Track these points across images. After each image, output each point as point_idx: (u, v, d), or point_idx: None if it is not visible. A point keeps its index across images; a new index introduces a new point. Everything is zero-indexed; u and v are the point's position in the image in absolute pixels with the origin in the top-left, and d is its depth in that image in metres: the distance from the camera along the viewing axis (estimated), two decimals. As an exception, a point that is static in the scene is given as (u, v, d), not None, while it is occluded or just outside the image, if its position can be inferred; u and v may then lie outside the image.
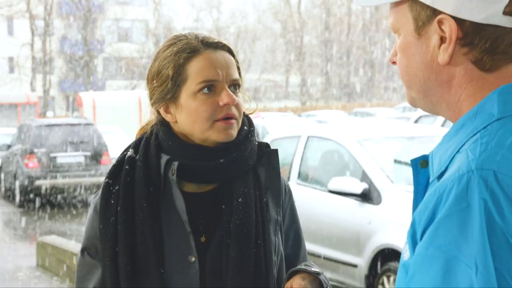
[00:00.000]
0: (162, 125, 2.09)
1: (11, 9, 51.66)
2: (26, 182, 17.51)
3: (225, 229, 2.00)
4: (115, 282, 1.97)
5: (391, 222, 6.93)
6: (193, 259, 1.98)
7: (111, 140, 21.79)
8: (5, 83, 53.59)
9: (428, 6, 1.37)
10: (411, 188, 7.11)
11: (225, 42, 2.08)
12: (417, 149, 7.89)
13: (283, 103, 59.79)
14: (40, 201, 17.58)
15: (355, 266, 7.28)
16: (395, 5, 1.44)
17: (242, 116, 2.05)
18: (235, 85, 2.04)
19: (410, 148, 7.94)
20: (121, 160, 2.10)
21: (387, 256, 6.96)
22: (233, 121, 2.00)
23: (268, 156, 2.12)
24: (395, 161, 7.58)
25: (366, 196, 7.23)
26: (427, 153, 1.45)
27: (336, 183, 7.42)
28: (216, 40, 2.05)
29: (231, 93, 2.00)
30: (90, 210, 2.10)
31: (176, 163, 2.00)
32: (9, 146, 19.80)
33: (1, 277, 9.98)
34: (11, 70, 57.77)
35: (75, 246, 9.83)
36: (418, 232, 1.27)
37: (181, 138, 2.05)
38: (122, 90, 46.91)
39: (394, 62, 1.49)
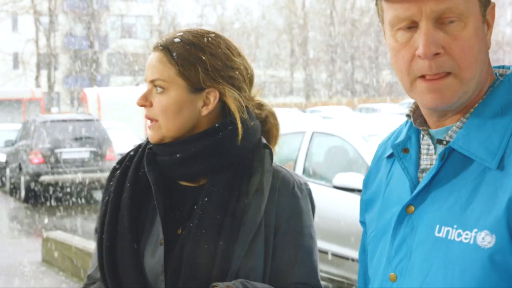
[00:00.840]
0: None
1: (16, 5, 51.67)
2: (31, 178, 17.55)
3: (188, 227, 2.02)
4: (100, 256, 2.07)
5: (396, 218, 6.93)
6: (161, 244, 2.01)
7: (116, 136, 21.80)
8: (10, 79, 53.64)
9: None
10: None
11: (167, 43, 2.05)
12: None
13: (287, 98, 59.76)
14: (45, 196, 17.61)
15: (360, 261, 7.28)
16: None
17: (166, 116, 2.03)
18: (158, 88, 2.05)
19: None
20: (134, 148, 2.19)
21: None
22: (152, 123, 2.06)
23: (261, 158, 2.07)
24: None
25: (371, 192, 7.22)
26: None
27: (341, 179, 7.41)
28: (156, 42, 2.10)
29: (142, 94, 2.08)
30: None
31: (146, 151, 2.10)
32: (14, 142, 19.83)
33: (6, 272, 10.01)
34: (16, 66, 57.81)
35: (80, 241, 9.85)
36: None
37: None
38: (126, 86, 46.89)
39: (437, 54, 1.44)
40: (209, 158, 2.03)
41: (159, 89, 2.04)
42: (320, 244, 7.69)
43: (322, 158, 8.57)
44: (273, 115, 2.20)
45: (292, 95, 62.83)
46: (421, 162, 1.53)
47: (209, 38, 2.06)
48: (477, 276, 1.32)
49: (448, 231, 1.38)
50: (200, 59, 2.02)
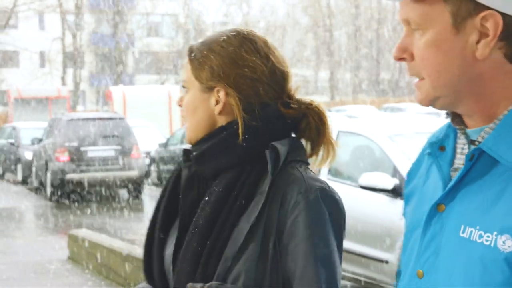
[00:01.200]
0: None
1: (42, 4, 52.01)
2: (57, 176, 17.65)
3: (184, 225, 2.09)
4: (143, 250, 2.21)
5: (422, 218, 6.89)
6: (174, 235, 2.09)
7: (141, 134, 21.90)
8: (36, 77, 53.98)
9: (471, 1, 1.36)
10: (442, 184, 7.07)
11: (195, 49, 2.10)
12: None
13: (312, 98, 59.56)
14: (71, 194, 17.71)
15: (386, 262, 7.25)
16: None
17: (190, 116, 2.08)
18: (184, 87, 2.14)
19: (442, 144, 7.89)
20: None
21: (418, 252, 6.92)
22: (186, 122, 2.13)
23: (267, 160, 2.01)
24: (427, 156, 7.53)
25: (397, 192, 7.19)
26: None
27: (367, 179, 7.39)
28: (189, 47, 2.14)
29: (181, 96, 2.15)
30: None
31: (183, 148, 2.19)
32: (40, 140, 19.95)
33: (32, 270, 10.07)
34: (42, 64, 58.18)
35: (105, 239, 9.89)
36: None
37: None
38: (152, 85, 47.05)
39: (401, 59, 1.46)
40: (216, 157, 2.04)
41: (184, 90, 2.13)
42: (346, 244, 7.64)
43: (348, 157, 8.54)
44: (315, 113, 2.12)
45: (317, 94, 62.75)
46: (455, 161, 1.53)
47: (225, 37, 2.05)
48: (497, 279, 1.32)
49: (471, 232, 1.38)
50: (208, 58, 2.04)
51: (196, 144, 2.09)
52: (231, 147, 2.01)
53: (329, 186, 2.00)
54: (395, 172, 7.34)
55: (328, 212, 1.96)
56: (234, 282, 1.91)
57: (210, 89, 2.05)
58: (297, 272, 1.90)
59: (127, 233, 13.10)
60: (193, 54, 2.07)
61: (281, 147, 1.99)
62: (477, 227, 1.37)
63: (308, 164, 2.04)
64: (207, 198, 2.01)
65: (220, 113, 2.05)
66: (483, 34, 1.36)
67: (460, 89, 1.42)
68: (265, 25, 62.30)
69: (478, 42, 1.37)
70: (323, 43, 61.56)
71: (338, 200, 2.02)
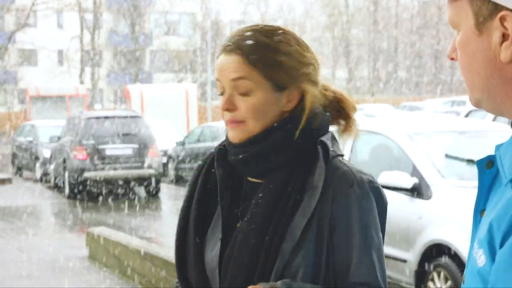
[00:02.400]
0: None
1: (61, 2, 52.26)
2: (75, 174, 17.71)
3: (243, 222, 2.06)
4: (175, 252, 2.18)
5: (442, 218, 6.86)
6: (219, 238, 2.07)
7: (159, 132, 21.92)
8: (55, 75, 54.24)
9: (490, 1, 1.32)
10: (462, 183, 7.04)
11: (240, 44, 2.03)
12: (468, 144, 7.80)
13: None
14: (89, 192, 17.76)
15: (404, 261, 7.22)
16: None
17: (255, 117, 2.04)
18: (242, 91, 2.03)
19: (461, 143, 7.85)
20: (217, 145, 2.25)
21: (437, 252, 6.88)
22: (236, 124, 2.04)
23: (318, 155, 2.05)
24: (446, 155, 7.49)
25: (417, 191, 7.15)
26: (492, 153, 1.40)
27: (386, 178, 7.35)
28: (228, 43, 2.06)
29: (227, 99, 2.04)
30: None
31: (217, 148, 2.15)
32: (58, 138, 20.02)
33: (51, 268, 10.10)
34: (61, 63, 58.45)
35: (123, 237, 9.90)
36: (497, 239, 1.23)
37: None
38: (169, 83, 47.13)
39: (453, 58, 1.44)
40: (268, 158, 2.05)
41: (243, 91, 2.04)
42: (364, 243, 7.63)
43: (367, 156, 8.51)
44: (343, 98, 2.18)
45: (335, 93, 62.57)
46: None
47: (280, 37, 2.06)
48: None
49: (473, 243, 1.37)
50: (277, 60, 2.03)
51: (243, 145, 2.05)
52: (286, 147, 2.05)
53: (374, 178, 2.07)
54: (414, 171, 7.30)
55: (376, 203, 2.03)
56: (292, 277, 1.94)
57: (282, 88, 2.05)
58: (353, 263, 1.96)
59: (145, 231, 13.12)
60: (254, 56, 2.02)
61: (328, 141, 2.06)
62: (476, 239, 1.35)
63: (343, 155, 2.10)
64: (261, 195, 2.02)
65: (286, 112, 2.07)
66: (506, 36, 1.32)
67: (495, 92, 1.37)
68: (283, 24, 62.24)
69: (501, 44, 1.33)
70: (340, 42, 61.45)
71: (382, 191, 2.08)
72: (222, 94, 2.06)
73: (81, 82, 50.75)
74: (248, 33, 2.06)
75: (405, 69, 62.75)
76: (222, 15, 60.55)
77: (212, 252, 2.06)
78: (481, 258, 1.27)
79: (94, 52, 53.19)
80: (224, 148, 2.13)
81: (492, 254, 1.24)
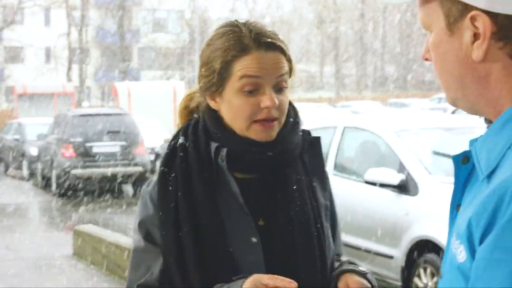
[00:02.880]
0: (210, 111, 2.10)
1: (48, 0, 52.08)
2: (62, 172, 17.66)
3: (285, 215, 2.05)
4: (181, 265, 2.00)
5: (428, 214, 6.87)
6: (255, 240, 2.01)
7: (147, 130, 21.87)
8: (42, 73, 54.06)
9: (459, 1, 1.32)
10: (449, 179, 7.05)
11: (278, 40, 2.04)
12: (455, 140, 7.82)
13: (317, 93, 59.65)
14: (76, 190, 17.72)
15: (391, 257, 7.24)
16: (425, 1, 1.39)
17: (284, 114, 2.05)
18: (280, 87, 2.03)
19: (448, 139, 7.87)
20: (173, 147, 2.11)
21: (424, 248, 6.90)
22: (273, 123, 2.02)
23: (311, 143, 2.15)
24: (433, 152, 7.51)
25: (403, 187, 7.17)
26: (468, 149, 1.40)
27: (373, 174, 7.37)
28: (269, 40, 2.02)
29: (273, 96, 1.99)
30: (143, 200, 2.11)
31: (225, 150, 2.03)
32: (45, 136, 19.96)
33: (37, 266, 10.07)
34: (48, 60, 58.26)
35: (111, 235, 9.88)
36: (476, 235, 1.23)
37: (228, 128, 2.06)
38: (157, 81, 47.02)
39: (427, 59, 1.44)
40: (293, 152, 2.09)
41: (281, 88, 2.03)
42: (352, 239, 7.64)
43: (354, 153, 8.53)
44: None
45: (322, 90, 62.70)
46: None
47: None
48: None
49: (451, 237, 1.36)
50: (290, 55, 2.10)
51: (272, 143, 2.04)
52: (300, 139, 2.13)
53: None
54: (401, 168, 7.32)
55: None
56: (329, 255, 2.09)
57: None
58: (336, 237, 2.19)
59: (132, 228, 13.09)
60: (288, 53, 2.07)
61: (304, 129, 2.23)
62: (454, 233, 1.35)
63: None
64: (295, 187, 2.06)
65: None
66: (477, 35, 1.32)
67: (468, 92, 1.38)
68: (271, 21, 62.26)
69: (473, 44, 1.33)
70: (328, 39, 61.49)
71: None
72: (251, 92, 2.01)
73: (69, 80, 50.56)
74: (270, 29, 2.06)
75: (392, 67, 62.86)
76: (210, 12, 60.48)
77: (250, 257, 1.99)
78: (461, 254, 1.27)
79: (81, 50, 53.04)
80: (231, 149, 2.05)
81: (471, 250, 1.24)
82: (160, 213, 2.04)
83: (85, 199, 17.09)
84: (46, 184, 19.29)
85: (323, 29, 61.74)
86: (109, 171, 17.76)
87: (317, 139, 2.17)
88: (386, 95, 52.32)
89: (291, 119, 2.10)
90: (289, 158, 2.07)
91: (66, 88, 39.39)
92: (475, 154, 1.35)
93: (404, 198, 7.16)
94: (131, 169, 17.92)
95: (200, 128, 2.10)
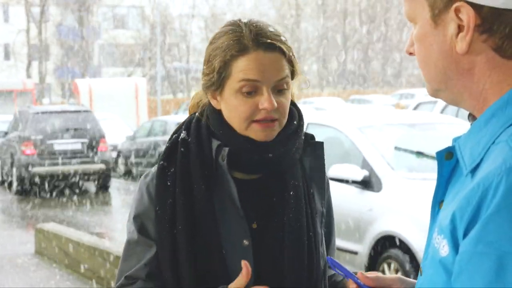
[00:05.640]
0: (212, 109, 2.09)
1: (7, -4, 51.50)
2: (23, 169, 17.49)
3: (279, 220, 2.04)
4: (174, 262, 2.00)
5: (391, 209, 6.92)
6: (247, 243, 2.01)
7: (109, 127, 21.78)
8: (1, 70, 53.50)
9: None
10: (411, 175, 7.11)
11: (278, 41, 2.02)
12: (418, 136, 7.88)
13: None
14: (37, 188, 17.56)
15: (355, 253, 7.27)
16: None
17: (286, 115, 2.04)
18: (280, 89, 2.02)
19: (410, 135, 7.92)
20: (175, 142, 2.09)
21: (387, 243, 6.95)
22: (273, 123, 2.01)
23: (313, 147, 2.13)
24: (396, 148, 7.55)
25: (367, 183, 7.21)
26: (443, 144, 1.41)
27: (337, 170, 7.39)
28: (268, 41, 2.00)
29: (271, 98, 1.98)
30: (140, 192, 2.09)
31: (226, 149, 2.02)
32: (5, 133, 19.75)
33: (-1, 265, 9.98)
34: (7, 57, 57.65)
35: (73, 233, 9.81)
36: (460, 229, 1.23)
37: (230, 127, 2.05)
38: (118, 77, 46.79)
39: (411, 53, 1.44)
40: (294, 154, 2.07)
41: (281, 89, 2.02)
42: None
43: (317, 149, 8.54)
44: None
45: (284, 86, 62.77)
46: None
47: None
48: (438, 283, 1.29)
49: (432, 233, 1.36)
50: (294, 56, 2.07)
51: (272, 144, 2.03)
52: (302, 143, 2.11)
53: None
54: (364, 164, 7.35)
55: None
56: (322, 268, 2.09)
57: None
58: (330, 244, 2.21)
59: (95, 226, 13.01)
60: (289, 54, 2.05)
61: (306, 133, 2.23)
62: (435, 229, 1.35)
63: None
64: (292, 193, 2.05)
65: None
66: (461, 27, 1.33)
67: (453, 84, 1.38)
68: (232, 17, 62.11)
69: (457, 36, 1.33)
70: (290, 36, 61.58)
71: None
72: (250, 93, 1.99)
73: (28, 77, 50.09)
74: (273, 29, 2.04)
75: (354, 63, 63.18)
76: (171, 9, 60.25)
77: (239, 259, 1.94)
78: (444, 248, 1.27)
79: (41, 46, 52.54)
80: (231, 148, 2.04)
81: (455, 244, 1.24)
82: (157, 208, 2.03)
83: (47, 197, 16.95)
84: (6, 182, 19.10)
85: (284, 26, 61.84)
86: (70, 168, 17.63)
87: (320, 144, 2.14)
88: (347, 91, 52.57)
89: (295, 122, 2.08)
90: (289, 161, 2.06)
91: (26, 85, 39.04)
92: (459, 149, 1.36)
93: (368, 194, 7.19)
94: (93, 167, 17.80)
95: (203, 124, 2.09)
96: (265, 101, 1.97)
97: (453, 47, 1.34)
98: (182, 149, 2.06)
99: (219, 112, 2.07)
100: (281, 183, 2.06)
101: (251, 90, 1.99)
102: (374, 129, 7.89)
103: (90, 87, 31.01)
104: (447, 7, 1.33)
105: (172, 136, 2.13)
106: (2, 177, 19.63)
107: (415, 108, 12.40)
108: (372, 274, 1.82)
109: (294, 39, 60.36)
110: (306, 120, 8.55)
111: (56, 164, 17.63)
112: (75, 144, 17.92)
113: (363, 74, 61.89)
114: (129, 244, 2.08)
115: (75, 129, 17.96)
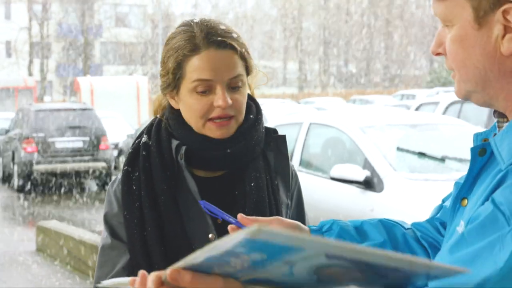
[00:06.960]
0: (171, 110, 2.13)
1: (9, -7, 51.50)
2: (24, 167, 17.49)
3: (241, 212, 2.02)
4: (148, 263, 2.01)
5: (393, 210, 6.91)
6: (212, 236, 2.03)
7: (110, 125, 21.76)
8: (3, 67, 53.48)
9: None
10: (413, 175, 7.11)
11: (230, 38, 2.03)
12: (419, 137, 7.88)
13: (280, 89, 59.73)
14: (38, 186, 17.56)
15: (356, 253, 7.27)
16: None
17: (242, 111, 2.07)
18: (234, 86, 2.04)
19: (413, 136, 7.92)
20: (137, 146, 2.14)
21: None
22: (229, 120, 2.04)
23: (276, 141, 2.17)
24: (398, 148, 7.55)
25: (369, 184, 7.20)
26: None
27: (338, 171, 7.39)
28: (219, 39, 2.02)
29: (225, 95, 2.01)
30: (109, 198, 2.12)
31: (183, 148, 2.06)
32: (7, 131, 19.75)
33: (0, 262, 9.97)
34: (9, 54, 57.64)
35: (74, 230, 9.82)
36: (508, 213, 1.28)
37: (188, 126, 2.09)
38: (119, 75, 46.77)
39: (438, 54, 1.46)
40: (254, 148, 2.11)
41: (236, 86, 2.04)
42: (317, 235, 7.66)
43: (319, 149, 8.54)
44: None
45: (285, 86, 62.80)
46: None
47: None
48: None
49: (456, 227, 1.39)
50: (248, 51, 2.09)
51: (230, 140, 2.06)
52: (262, 137, 2.15)
53: None
54: (366, 164, 7.35)
55: None
56: None
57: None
58: None
59: (96, 224, 13.01)
60: (242, 50, 2.06)
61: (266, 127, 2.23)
62: (461, 222, 1.37)
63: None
64: (253, 185, 2.08)
65: None
66: (508, 29, 1.34)
67: (490, 85, 1.39)
68: (234, 17, 62.22)
69: (503, 37, 1.35)
70: (291, 35, 61.60)
71: None
72: (204, 92, 2.02)
73: (30, 74, 50.08)
74: (225, 27, 2.05)
75: (355, 63, 63.15)
76: (173, 8, 60.27)
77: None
78: None
79: (43, 44, 52.54)
80: (189, 147, 2.08)
81: None
82: (125, 213, 2.06)
83: (47, 195, 16.95)
84: (8, 179, 19.10)
85: (286, 25, 61.83)
86: (72, 166, 17.64)
87: (283, 137, 2.18)
88: (349, 91, 52.54)
89: (252, 116, 2.11)
90: (249, 155, 2.09)
91: (27, 82, 39.03)
92: (495, 145, 1.38)
93: (369, 194, 7.19)
94: (94, 165, 17.81)
95: (163, 127, 2.13)
96: (219, 99, 2.00)
97: (497, 48, 1.36)
98: (144, 152, 2.10)
99: (178, 113, 2.10)
100: (242, 176, 2.10)
101: (205, 89, 2.02)
102: (376, 130, 7.89)
103: (92, 85, 31.01)
104: (494, 9, 1.35)
105: (135, 141, 2.17)
106: (3, 174, 19.63)
107: (417, 109, 12.39)
108: (252, 217, 1.84)
109: (296, 39, 60.35)
110: (308, 120, 8.57)
111: (58, 162, 17.64)
112: (76, 142, 17.92)
113: (364, 74, 61.84)
114: (104, 250, 2.10)
115: (77, 127, 17.97)
